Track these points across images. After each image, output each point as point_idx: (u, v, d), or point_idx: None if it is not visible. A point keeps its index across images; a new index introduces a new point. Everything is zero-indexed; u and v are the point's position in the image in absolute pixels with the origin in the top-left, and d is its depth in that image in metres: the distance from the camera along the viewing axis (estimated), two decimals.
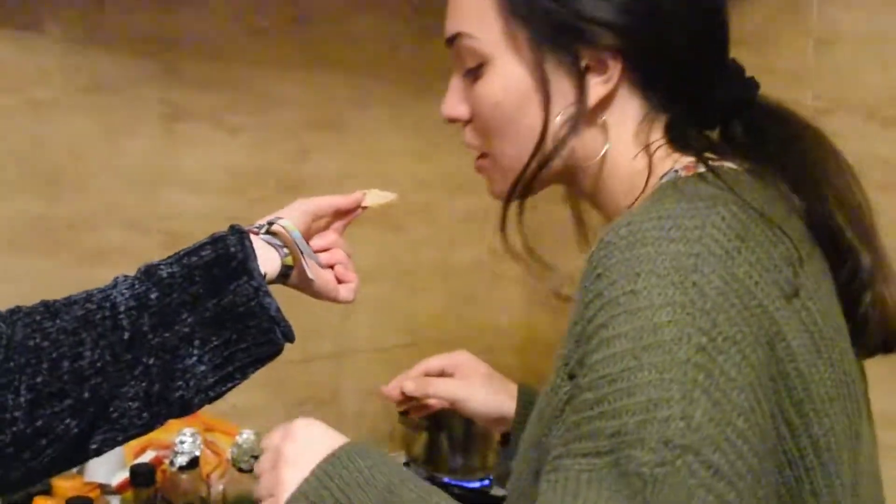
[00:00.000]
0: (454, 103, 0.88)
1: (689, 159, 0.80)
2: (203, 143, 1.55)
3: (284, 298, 0.91)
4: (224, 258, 0.86)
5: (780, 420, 0.71)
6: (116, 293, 0.84)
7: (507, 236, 0.85)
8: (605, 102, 0.82)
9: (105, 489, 1.36)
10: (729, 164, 0.80)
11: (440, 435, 1.61)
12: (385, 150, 1.76)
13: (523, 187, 0.85)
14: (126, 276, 0.86)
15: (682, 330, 0.66)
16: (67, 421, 0.79)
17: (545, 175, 0.85)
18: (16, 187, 1.39)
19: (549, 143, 0.82)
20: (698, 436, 0.64)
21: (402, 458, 1.61)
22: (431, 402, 1.12)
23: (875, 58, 1.40)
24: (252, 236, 0.90)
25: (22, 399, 0.77)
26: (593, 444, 0.66)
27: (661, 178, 0.81)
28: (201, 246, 0.88)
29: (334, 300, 0.99)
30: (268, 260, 0.90)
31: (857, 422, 0.77)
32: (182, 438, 1.22)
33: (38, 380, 0.78)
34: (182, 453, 1.22)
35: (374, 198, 1.01)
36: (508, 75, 0.83)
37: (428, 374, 1.12)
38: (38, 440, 0.78)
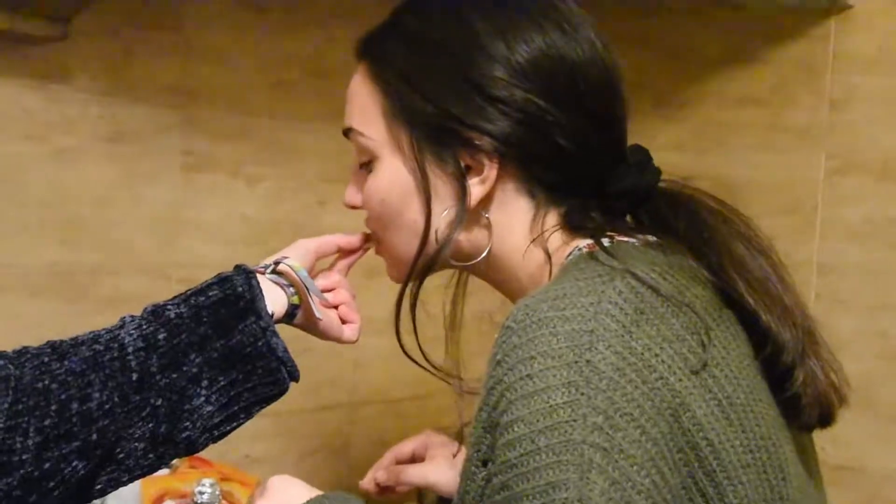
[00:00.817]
0: (353, 192, 0.94)
1: (589, 240, 0.81)
2: (222, 193, 1.57)
3: (294, 347, 0.90)
4: (232, 298, 0.86)
5: (694, 491, 0.70)
6: (124, 334, 0.83)
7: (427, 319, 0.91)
8: (487, 201, 0.84)
9: None
10: (630, 239, 0.81)
11: None
12: None
13: (416, 280, 0.88)
14: (133, 317, 0.85)
15: (576, 411, 0.66)
16: (75, 463, 0.78)
17: (436, 268, 0.88)
18: (38, 234, 1.40)
19: (434, 240, 0.85)
20: None
21: None
22: (400, 488, 1.11)
23: (889, 117, 1.42)
24: (258, 276, 0.89)
25: (30, 442, 0.76)
26: None
27: (567, 257, 0.82)
28: (208, 286, 0.87)
29: (338, 340, 0.98)
30: (274, 299, 0.90)
31: (781, 485, 0.76)
32: (201, 489, 1.22)
33: (47, 422, 0.77)
34: None
35: None
36: (393, 173, 0.86)
37: (399, 461, 1.11)
38: (45, 483, 0.77)
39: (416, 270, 0.88)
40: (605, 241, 0.80)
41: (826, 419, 0.83)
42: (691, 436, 0.70)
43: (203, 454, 1.33)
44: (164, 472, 1.29)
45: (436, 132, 0.84)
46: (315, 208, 1.67)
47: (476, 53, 0.82)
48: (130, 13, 1.44)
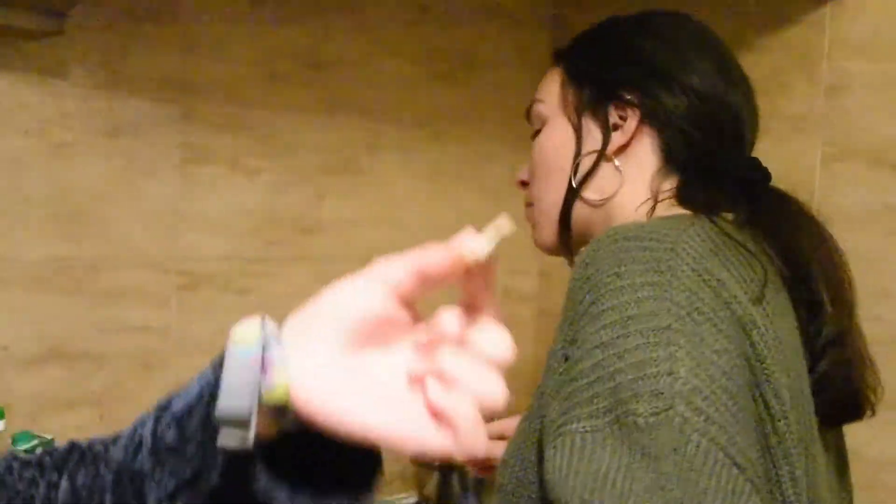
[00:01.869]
0: (524, 170, 1.06)
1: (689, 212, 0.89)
2: (221, 186, 1.58)
3: None
4: None
5: (757, 398, 0.76)
6: None
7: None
8: (622, 150, 0.96)
9: None
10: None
11: (452, 475, 1.61)
12: (399, 193, 1.78)
13: (561, 223, 0.99)
14: None
15: (661, 304, 0.74)
16: None
17: (576, 215, 0.98)
18: (37, 228, 1.41)
19: (575, 180, 0.97)
20: (687, 387, 0.70)
21: (414, 498, 1.61)
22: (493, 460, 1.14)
23: (884, 105, 1.42)
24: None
25: None
26: (593, 407, 0.72)
27: None
28: None
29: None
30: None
31: (811, 442, 0.81)
32: None
33: None
34: None
35: (483, 242, 0.56)
36: (555, 128, 1.00)
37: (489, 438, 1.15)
38: None
39: (564, 203, 0.98)
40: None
41: (850, 413, 0.89)
42: (760, 349, 0.76)
43: None
44: None
45: (598, 90, 0.97)
46: (313, 200, 1.68)
47: (650, 58, 0.97)
48: (126, 6, 1.45)
